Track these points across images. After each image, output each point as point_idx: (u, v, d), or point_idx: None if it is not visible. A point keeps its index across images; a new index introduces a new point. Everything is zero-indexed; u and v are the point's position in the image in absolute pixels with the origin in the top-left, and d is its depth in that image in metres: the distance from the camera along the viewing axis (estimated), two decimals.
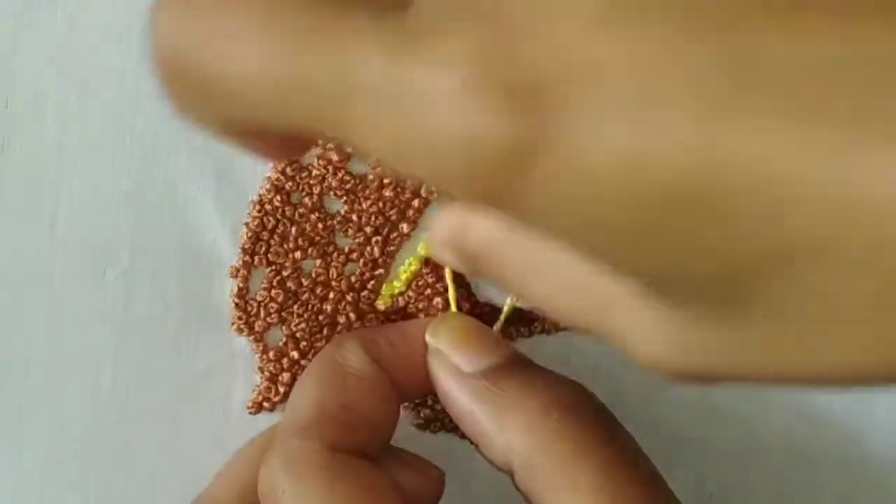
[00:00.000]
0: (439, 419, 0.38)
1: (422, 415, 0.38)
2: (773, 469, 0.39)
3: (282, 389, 0.38)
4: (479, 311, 0.37)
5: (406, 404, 0.38)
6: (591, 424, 0.32)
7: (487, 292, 0.38)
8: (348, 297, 0.37)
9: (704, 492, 0.39)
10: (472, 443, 0.38)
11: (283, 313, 0.37)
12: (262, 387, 0.38)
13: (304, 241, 0.37)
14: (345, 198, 0.36)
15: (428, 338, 0.35)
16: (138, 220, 0.36)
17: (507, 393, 0.33)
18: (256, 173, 0.36)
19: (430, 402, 0.38)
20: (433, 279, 0.37)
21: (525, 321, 0.38)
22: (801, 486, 0.39)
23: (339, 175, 0.36)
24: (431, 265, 0.37)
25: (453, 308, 0.36)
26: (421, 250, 0.37)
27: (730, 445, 0.39)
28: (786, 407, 0.38)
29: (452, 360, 0.34)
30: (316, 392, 0.34)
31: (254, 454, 0.36)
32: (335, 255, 0.37)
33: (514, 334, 0.38)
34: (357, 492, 0.31)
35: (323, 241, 0.37)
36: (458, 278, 0.37)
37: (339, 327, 0.38)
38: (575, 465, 0.31)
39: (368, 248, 0.37)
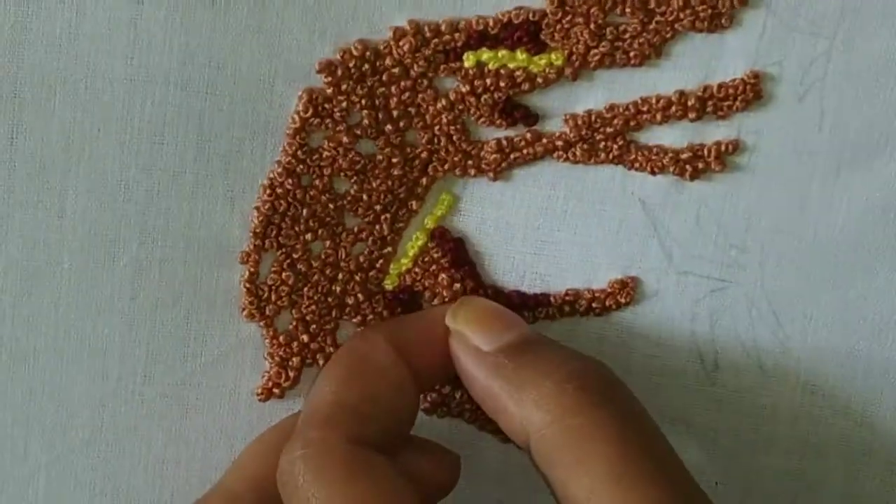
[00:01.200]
0: (446, 403, 0.39)
1: (429, 399, 0.39)
2: (779, 456, 0.40)
3: (292, 374, 0.38)
4: (484, 294, 0.38)
5: None
6: (608, 399, 0.32)
7: (493, 277, 0.38)
8: (357, 278, 0.38)
9: (710, 480, 0.39)
10: (479, 427, 0.39)
11: (293, 296, 0.37)
12: (271, 373, 0.38)
13: (314, 222, 0.37)
14: (354, 178, 0.37)
15: (448, 320, 0.36)
16: (147, 207, 0.36)
17: (525, 368, 0.33)
18: (265, 158, 0.36)
19: (436, 387, 0.38)
20: (438, 254, 0.37)
21: (530, 306, 0.38)
22: (807, 472, 0.40)
23: (349, 156, 0.36)
24: (437, 239, 0.37)
25: None
26: (427, 223, 0.37)
27: (735, 433, 0.39)
28: (792, 394, 0.39)
29: (472, 340, 0.35)
30: (338, 384, 0.34)
31: (268, 445, 0.36)
32: (344, 235, 0.37)
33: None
34: (375, 487, 0.31)
35: (333, 221, 0.37)
36: (464, 262, 0.38)
37: (347, 309, 0.38)
38: (589, 438, 0.31)
39: (377, 227, 0.37)
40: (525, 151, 0.37)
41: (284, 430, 0.35)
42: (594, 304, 0.38)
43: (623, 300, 0.38)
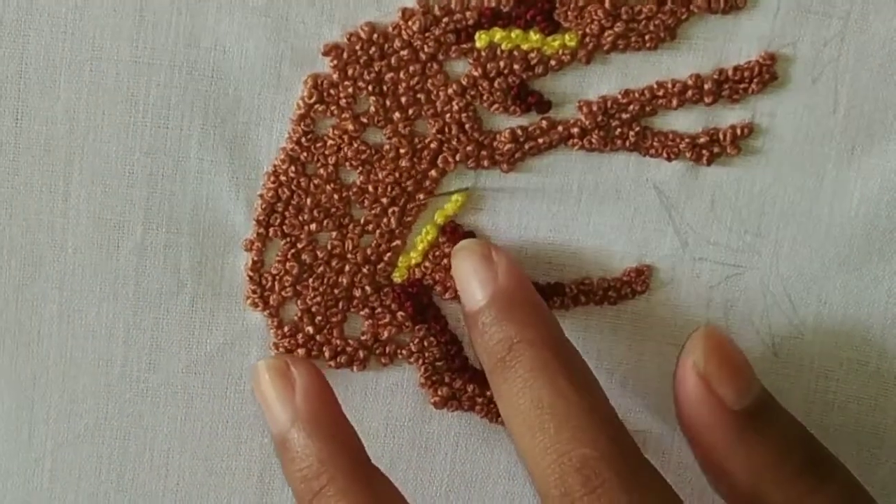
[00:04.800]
0: (457, 398, 0.38)
1: (440, 393, 0.38)
2: None
3: None
4: None
5: (423, 381, 0.38)
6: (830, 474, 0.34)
7: None
8: (364, 270, 0.37)
9: None
10: (490, 421, 0.38)
11: (297, 287, 0.37)
12: None
13: (319, 212, 0.36)
14: (360, 168, 0.36)
15: (694, 357, 0.34)
16: (151, 193, 0.36)
17: (766, 442, 0.33)
18: (271, 144, 0.36)
19: (447, 381, 0.38)
20: (449, 248, 0.37)
21: (544, 296, 0.37)
22: None
23: (355, 145, 0.36)
24: (448, 233, 0.37)
25: None
26: (437, 218, 0.37)
27: None
28: (806, 380, 0.38)
29: (719, 390, 0.33)
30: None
31: None
32: (351, 226, 0.36)
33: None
34: None
35: (338, 212, 0.36)
36: None
37: (354, 301, 0.37)
38: None
39: (385, 219, 0.36)
40: (540, 140, 0.36)
41: None
42: (609, 293, 0.37)
43: (638, 288, 0.37)
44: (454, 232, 0.37)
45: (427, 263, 0.37)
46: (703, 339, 0.34)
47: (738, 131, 0.36)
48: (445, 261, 0.37)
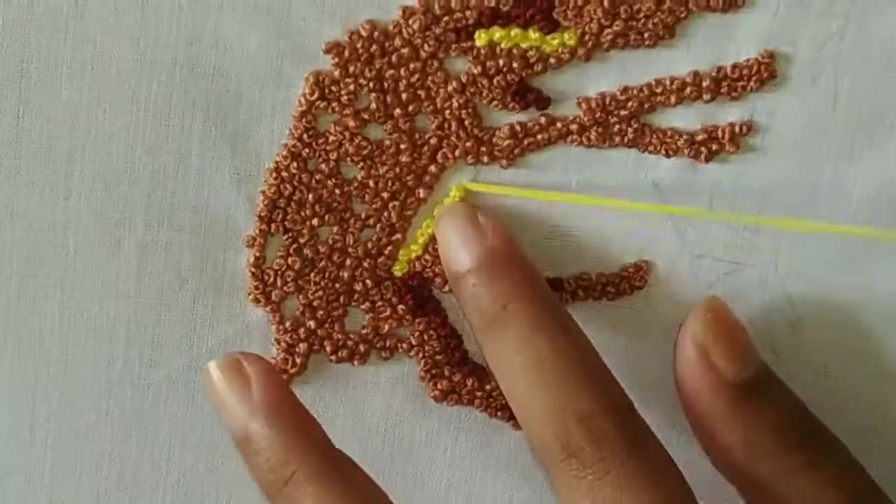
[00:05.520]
0: (457, 391, 0.38)
1: (439, 386, 0.38)
2: None
3: (299, 361, 0.37)
4: None
5: (423, 375, 0.38)
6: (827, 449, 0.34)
7: None
8: (365, 264, 0.37)
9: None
10: (490, 415, 0.38)
11: (299, 281, 0.37)
12: (278, 358, 0.37)
13: (320, 207, 0.36)
14: (361, 164, 0.36)
15: (691, 328, 0.34)
16: (153, 190, 0.36)
17: (763, 416, 0.33)
18: (272, 141, 0.36)
19: (447, 374, 0.38)
20: None
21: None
22: None
23: (356, 141, 0.36)
24: None
25: None
26: (437, 212, 0.37)
27: None
28: (804, 378, 0.38)
29: (717, 363, 0.34)
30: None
31: None
32: (352, 221, 0.37)
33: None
34: None
35: (340, 207, 0.36)
36: None
37: (355, 295, 0.37)
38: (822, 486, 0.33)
39: (385, 214, 0.37)
40: (539, 136, 0.36)
41: None
42: (608, 289, 0.38)
43: (637, 284, 0.37)
44: None
45: (427, 256, 0.37)
46: (703, 311, 0.34)
47: (737, 129, 0.36)
48: None
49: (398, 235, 0.37)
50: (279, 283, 0.37)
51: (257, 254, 0.37)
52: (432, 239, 0.37)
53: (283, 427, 0.33)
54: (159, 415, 0.38)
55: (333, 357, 0.38)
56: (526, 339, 0.32)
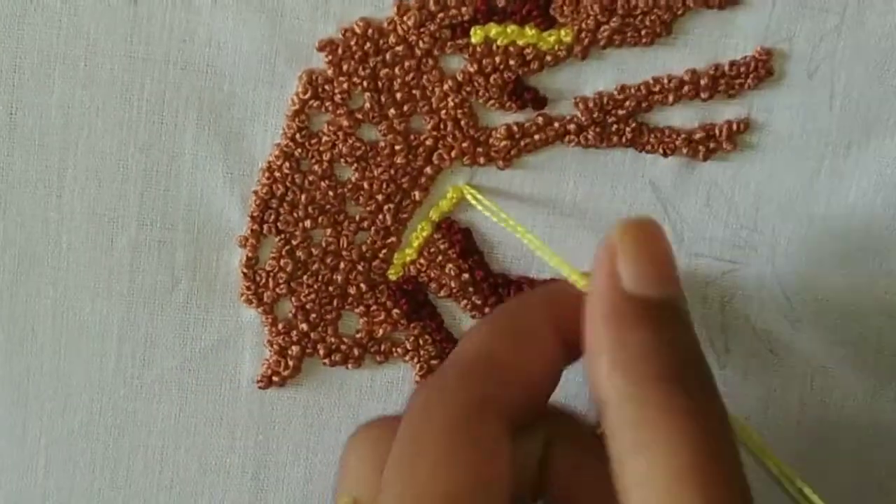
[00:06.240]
0: None
1: None
2: (788, 440, 0.38)
3: (291, 363, 0.37)
4: (493, 281, 0.37)
5: (419, 380, 0.37)
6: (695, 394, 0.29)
7: (502, 264, 0.37)
8: (359, 267, 0.37)
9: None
10: None
11: (292, 284, 0.37)
12: (271, 360, 0.37)
13: (313, 209, 0.36)
14: (355, 165, 0.36)
15: (615, 233, 0.30)
16: (146, 188, 0.36)
17: (639, 345, 0.29)
18: (266, 140, 0.36)
19: None
20: (445, 245, 0.36)
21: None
22: (816, 457, 0.39)
23: (350, 142, 0.36)
24: (443, 231, 0.36)
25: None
26: (432, 215, 0.36)
27: (744, 417, 0.37)
28: (802, 377, 0.38)
29: (620, 267, 0.30)
30: (489, 336, 0.31)
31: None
32: (346, 223, 0.36)
33: None
34: (477, 463, 0.29)
35: (333, 209, 0.36)
36: (472, 252, 0.37)
37: (349, 299, 0.37)
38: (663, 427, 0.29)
39: (380, 216, 0.36)
40: (536, 137, 0.36)
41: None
42: None
43: None
44: (449, 229, 0.36)
45: (422, 260, 0.37)
46: (637, 222, 0.31)
47: (735, 127, 0.35)
48: (440, 258, 0.37)
49: (393, 239, 0.37)
50: (271, 284, 0.37)
51: (249, 254, 0.36)
52: (427, 242, 0.37)
53: None
54: (152, 414, 0.38)
55: (327, 360, 0.37)
56: None
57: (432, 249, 0.37)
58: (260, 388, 0.37)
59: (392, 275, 0.37)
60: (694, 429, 0.28)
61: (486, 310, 0.37)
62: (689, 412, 0.28)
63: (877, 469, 0.36)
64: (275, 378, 0.37)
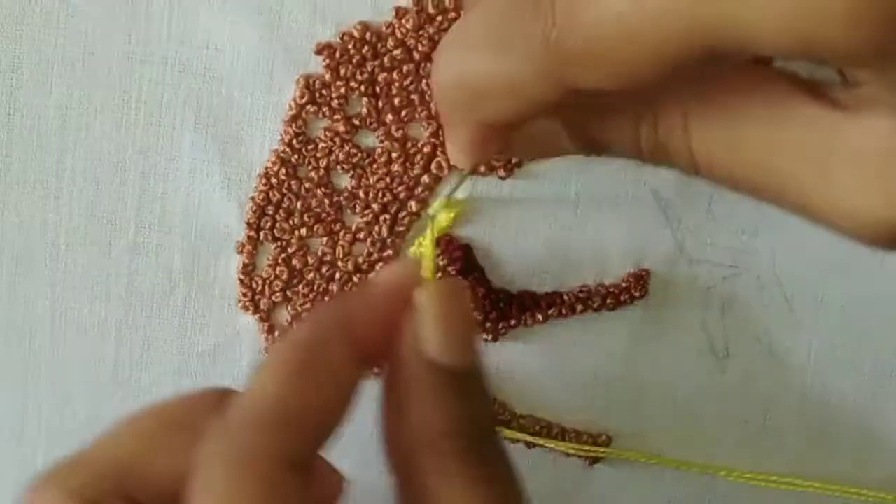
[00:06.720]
0: None
1: None
2: (789, 442, 0.38)
3: None
4: (495, 296, 0.36)
5: None
6: None
7: (503, 277, 0.36)
8: (355, 279, 0.36)
9: (718, 467, 0.38)
10: None
11: (287, 292, 0.36)
12: None
13: (309, 217, 0.35)
14: (352, 172, 0.35)
15: (419, 298, 0.29)
16: (143, 191, 0.36)
17: (446, 412, 0.29)
18: (264, 145, 0.35)
19: None
20: (444, 262, 0.36)
21: (541, 306, 0.36)
22: (816, 458, 0.38)
23: (346, 148, 0.35)
24: (442, 247, 0.36)
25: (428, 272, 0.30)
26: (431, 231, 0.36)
27: (744, 420, 0.38)
28: (802, 380, 0.37)
29: (429, 340, 0.29)
30: (284, 383, 0.28)
31: (145, 428, 0.31)
32: (342, 233, 0.36)
33: (529, 320, 0.36)
34: None
35: (329, 218, 0.36)
36: (473, 269, 0.36)
37: None
38: None
39: (377, 228, 0.36)
40: None
41: (171, 410, 0.31)
42: (608, 301, 0.36)
43: (637, 294, 0.36)
44: (449, 245, 0.36)
45: None
46: (445, 285, 0.30)
47: None
48: (439, 274, 0.36)
49: (390, 252, 0.36)
50: (267, 292, 0.36)
51: (246, 261, 0.36)
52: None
53: None
54: None
55: None
56: None
57: (429, 265, 0.36)
58: None
59: None
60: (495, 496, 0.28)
61: (487, 325, 0.36)
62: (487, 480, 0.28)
63: (877, 470, 0.35)
64: None
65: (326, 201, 0.35)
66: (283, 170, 0.35)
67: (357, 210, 0.35)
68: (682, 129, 0.25)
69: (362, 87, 0.34)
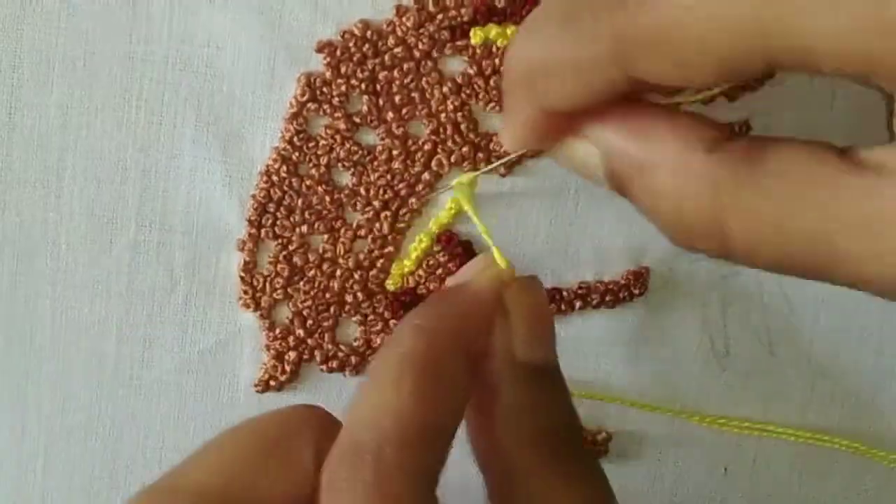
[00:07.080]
0: None
1: None
2: (788, 441, 0.38)
3: (288, 368, 0.37)
4: None
5: None
6: None
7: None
8: (356, 276, 0.36)
9: (718, 466, 0.38)
10: None
11: (289, 289, 0.36)
12: (268, 365, 0.37)
13: (310, 214, 0.36)
14: (352, 170, 0.35)
15: (508, 299, 0.30)
16: (144, 189, 0.36)
17: (536, 409, 0.29)
18: (265, 143, 0.35)
19: None
20: (445, 258, 0.36)
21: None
22: (816, 457, 0.38)
23: (347, 145, 0.35)
24: (443, 242, 0.36)
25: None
26: (432, 226, 0.36)
27: (744, 419, 0.38)
28: (802, 379, 0.38)
29: (514, 338, 0.29)
30: (417, 396, 0.27)
31: (245, 446, 0.29)
32: (343, 230, 0.36)
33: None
34: None
35: (330, 215, 0.36)
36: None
37: (346, 306, 0.36)
38: None
39: (377, 225, 0.36)
40: None
41: (266, 431, 0.29)
42: (607, 297, 0.36)
43: (636, 291, 0.36)
44: (449, 241, 0.36)
45: (421, 272, 0.36)
46: (527, 283, 0.31)
47: (736, 129, 0.35)
48: (440, 270, 0.36)
49: (390, 248, 0.36)
50: (268, 289, 0.36)
51: (247, 258, 0.36)
52: (426, 254, 0.36)
53: None
54: (151, 415, 0.38)
55: (324, 367, 0.37)
56: None
57: (432, 262, 0.36)
58: (257, 392, 0.37)
59: (390, 285, 0.36)
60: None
61: None
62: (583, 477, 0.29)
63: (877, 470, 0.35)
64: (272, 383, 0.37)
65: (327, 199, 0.36)
66: (284, 167, 0.35)
67: (358, 207, 0.36)
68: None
69: (363, 85, 0.35)
